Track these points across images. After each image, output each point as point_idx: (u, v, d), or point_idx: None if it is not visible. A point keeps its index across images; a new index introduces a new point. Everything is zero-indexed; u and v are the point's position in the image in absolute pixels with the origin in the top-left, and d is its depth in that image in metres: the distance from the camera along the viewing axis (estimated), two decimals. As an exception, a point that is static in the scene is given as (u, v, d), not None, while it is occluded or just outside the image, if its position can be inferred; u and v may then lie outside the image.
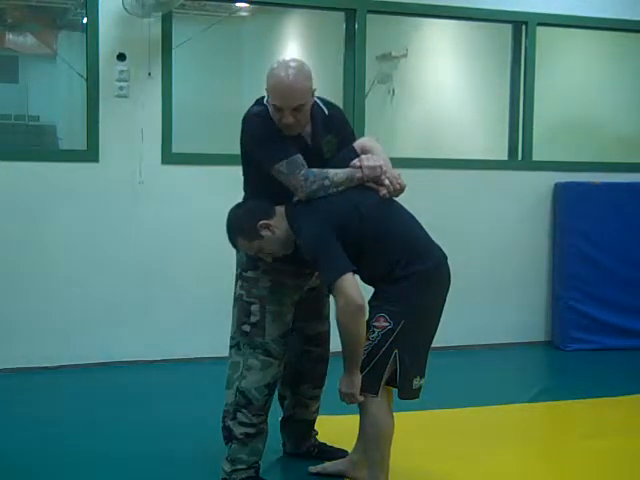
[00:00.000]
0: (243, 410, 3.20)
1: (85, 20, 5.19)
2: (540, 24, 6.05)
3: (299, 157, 3.04)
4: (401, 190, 3.12)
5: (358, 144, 3.24)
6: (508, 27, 6.16)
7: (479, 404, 4.53)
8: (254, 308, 3.21)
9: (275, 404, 3.46)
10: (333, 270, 2.90)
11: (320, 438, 3.67)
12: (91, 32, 5.11)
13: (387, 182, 3.09)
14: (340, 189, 3.06)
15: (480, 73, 7.22)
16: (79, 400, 4.57)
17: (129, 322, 5.26)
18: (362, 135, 5.54)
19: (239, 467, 3.24)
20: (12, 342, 5.07)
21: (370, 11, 5.70)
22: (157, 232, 5.28)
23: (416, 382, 3.08)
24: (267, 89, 3.04)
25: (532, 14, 6.02)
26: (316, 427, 3.65)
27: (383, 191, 3.09)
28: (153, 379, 5.03)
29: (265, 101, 3.11)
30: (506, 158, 6.20)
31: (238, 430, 3.22)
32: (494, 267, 6.01)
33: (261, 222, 3.03)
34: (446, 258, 3.13)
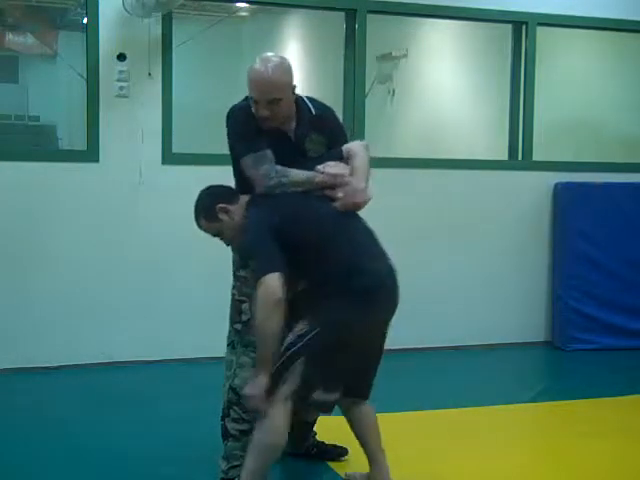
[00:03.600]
0: (235, 407, 3.21)
1: (85, 20, 5.20)
2: (540, 24, 6.05)
3: (268, 152, 3.07)
4: (356, 206, 3.08)
5: (346, 147, 3.24)
6: (508, 27, 6.16)
7: (479, 404, 4.53)
8: (245, 307, 3.23)
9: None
10: (263, 267, 2.88)
11: (320, 438, 3.67)
12: (91, 32, 5.12)
13: (340, 194, 3.06)
14: (298, 189, 3.07)
15: (480, 73, 7.22)
16: (79, 400, 4.57)
17: (129, 322, 5.26)
18: (362, 135, 5.57)
19: (235, 464, 3.24)
20: (12, 342, 5.07)
21: (370, 11, 5.70)
22: (157, 232, 5.28)
23: (317, 394, 2.95)
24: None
25: (532, 14, 6.01)
26: (316, 427, 3.64)
27: (336, 203, 3.06)
28: (153, 379, 5.03)
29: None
30: (506, 158, 6.20)
31: (232, 427, 3.23)
32: (494, 267, 6.00)
33: (220, 205, 3.10)
34: (394, 279, 3.05)
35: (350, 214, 3.10)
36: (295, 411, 3.50)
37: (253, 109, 3.09)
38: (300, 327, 2.90)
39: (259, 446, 2.95)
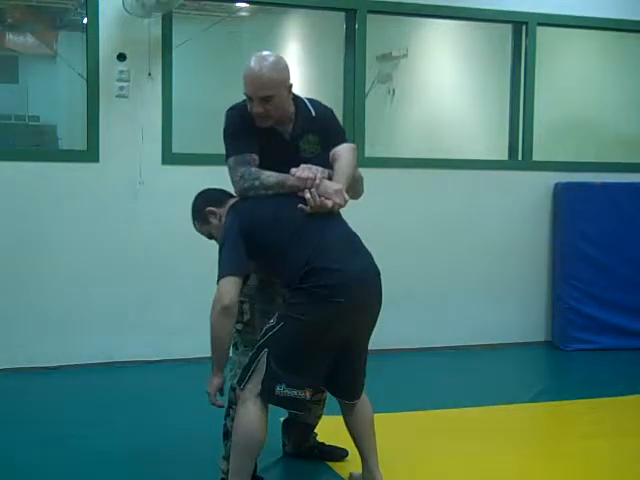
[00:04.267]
0: (234, 407, 3.21)
1: (85, 20, 5.20)
2: (540, 24, 6.06)
3: (250, 156, 3.09)
4: (324, 208, 3.03)
5: (334, 149, 3.22)
6: (508, 27, 6.16)
7: (479, 404, 4.53)
8: (245, 307, 3.25)
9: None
10: (221, 270, 3.01)
11: (321, 438, 3.67)
12: (91, 32, 5.12)
13: (307, 196, 3.02)
14: (270, 192, 3.07)
15: (480, 73, 7.21)
16: (79, 400, 4.57)
17: (129, 322, 5.26)
18: (362, 135, 5.57)
19: (234, 464, 3.23)
20: (12, 342, 5.07)
21: (370, 11, 5.70)
22: (157, 232, 5.28)
23: (280, 389, 2.95)
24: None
25: (532, 14, 6.02)
26: (317, 429, 3.64)
27: (307, 204, 3.04)
28: (153, 379, 5.03)
29: None
30: (506, 158, 6.21)
31: (232, 426, 3.22)
32: (494, 267, 6.01)
33: (208, 209, 3.20)
34: (370, 279, 3.04)
35: (323, 216, 3.04)
36: (294, 414, 3.54)
37: (248, 107, 3.10)
38: (270, 321, 3.00)
39: (235, 444, 3.00)
